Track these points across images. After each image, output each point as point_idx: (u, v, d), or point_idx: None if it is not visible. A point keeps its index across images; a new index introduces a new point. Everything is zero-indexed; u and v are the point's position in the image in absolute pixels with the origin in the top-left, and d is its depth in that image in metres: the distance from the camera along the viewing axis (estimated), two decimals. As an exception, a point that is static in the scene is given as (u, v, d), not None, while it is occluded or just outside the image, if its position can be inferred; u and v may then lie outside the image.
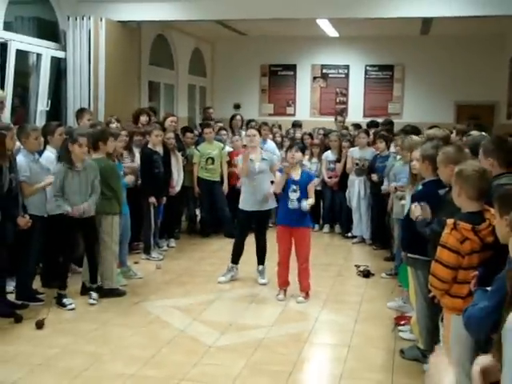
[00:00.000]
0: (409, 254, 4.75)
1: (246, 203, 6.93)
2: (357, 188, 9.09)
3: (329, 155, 9.75)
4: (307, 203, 6.22)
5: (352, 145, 9.49)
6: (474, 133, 6.65)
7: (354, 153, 9.20)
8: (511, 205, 2.81)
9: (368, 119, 12.13)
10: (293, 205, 6.28)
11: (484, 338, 2.90)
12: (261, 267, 7.05)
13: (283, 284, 6.50)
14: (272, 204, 7.02)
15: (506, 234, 2.78)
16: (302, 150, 6.78)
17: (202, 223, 9.63)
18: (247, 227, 7.13)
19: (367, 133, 9.58)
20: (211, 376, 4.54)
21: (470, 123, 9.15)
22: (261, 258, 7.08)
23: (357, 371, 4.68)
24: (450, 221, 3.47)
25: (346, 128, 11.10)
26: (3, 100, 7.09)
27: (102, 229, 6.30)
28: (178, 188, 8.53)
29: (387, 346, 5.16)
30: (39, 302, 6.07)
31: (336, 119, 12.17)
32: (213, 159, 9.10)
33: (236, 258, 7.08)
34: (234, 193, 8.48)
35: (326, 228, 10.01)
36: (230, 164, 9.24)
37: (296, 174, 6.36)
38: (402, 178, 6.84)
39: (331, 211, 9.91)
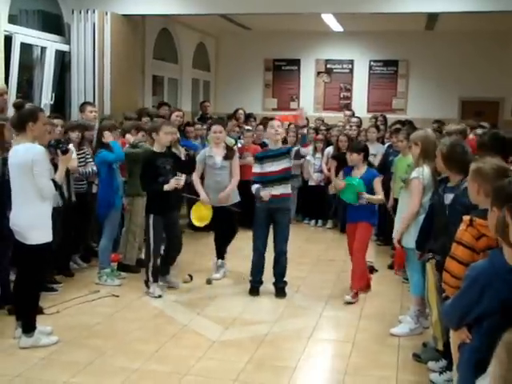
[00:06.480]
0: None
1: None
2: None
3: (330, 150, 9.74)
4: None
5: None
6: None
7: None
8: (502, 198, 2.79)
9: (371, 114, 12.06)
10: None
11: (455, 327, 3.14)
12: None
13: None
14: (235, 198, 7.03)
15: (493, 227, 2.78)
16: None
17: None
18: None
19: (377, 128, 9.52)
20: (215, 371, 4.53)
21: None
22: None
23: (361, 368, 4.67)
24: (466, 217, 3.43)
25: (359, 125, 10.50)
26: (3, 93, 7.08)
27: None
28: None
29: (392, 343, 5.15)
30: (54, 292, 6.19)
31: (344, 114, 12.12)
32: None
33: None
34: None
35: (330, 224, 10.01)
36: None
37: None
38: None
39: (335, 207, 9.87)
